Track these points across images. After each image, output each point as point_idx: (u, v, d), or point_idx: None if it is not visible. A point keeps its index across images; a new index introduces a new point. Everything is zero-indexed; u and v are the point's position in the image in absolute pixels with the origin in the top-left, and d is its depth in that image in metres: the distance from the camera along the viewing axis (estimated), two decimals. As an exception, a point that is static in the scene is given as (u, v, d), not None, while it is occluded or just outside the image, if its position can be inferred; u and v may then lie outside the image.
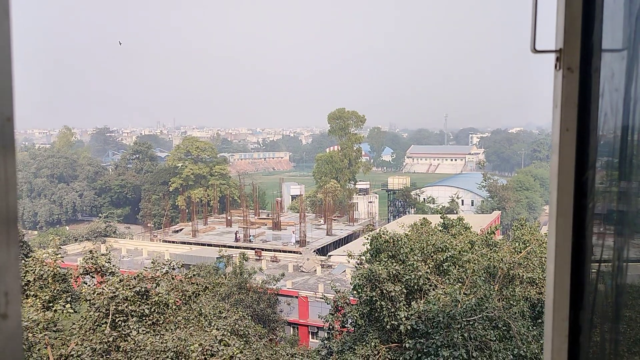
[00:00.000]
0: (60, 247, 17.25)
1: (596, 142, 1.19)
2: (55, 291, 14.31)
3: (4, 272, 0.57)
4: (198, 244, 48.83)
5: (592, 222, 1.20)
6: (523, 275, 16.56)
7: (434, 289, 16.11)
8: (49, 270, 14.35)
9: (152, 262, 16.77)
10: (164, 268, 16.17)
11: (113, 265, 16.03)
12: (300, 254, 43.14)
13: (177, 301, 15.79)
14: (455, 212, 57.71)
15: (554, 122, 1.24)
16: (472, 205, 73.80)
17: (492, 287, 16.40)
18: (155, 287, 15.04)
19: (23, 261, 15.02)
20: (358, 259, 19.66)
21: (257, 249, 44.90)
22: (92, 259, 15.38)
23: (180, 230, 57.55)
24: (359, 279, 16.74)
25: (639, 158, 1.16)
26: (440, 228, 22.17)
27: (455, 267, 16.83)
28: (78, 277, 15.71)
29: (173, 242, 51.78)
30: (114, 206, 76.75)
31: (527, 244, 18.24)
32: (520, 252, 17.51)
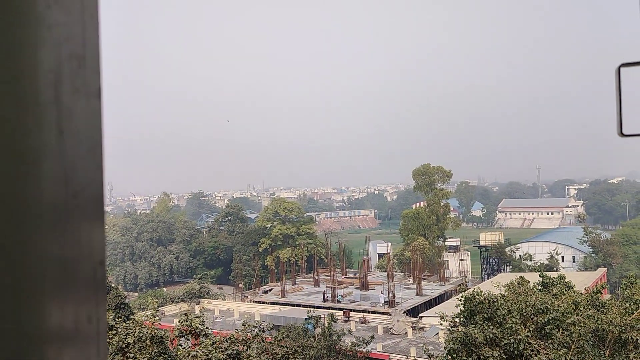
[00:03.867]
0: (157, 310, 18.00)
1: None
2: (153, 353, 14.84)
3: None
4: (287, 304, 49.05)
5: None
6: (637, 340, 15.00)
7: (536, 355, 14.98)
8: (147, 332, 14.96)
9: (242, 324, 17.03)
10: (254, 330, 16.35)
11: (206, 328, 16.44)
12: (390, 315, 41.97)
13: (268, 364, 15.80)
14: (555, 269, 54.11)
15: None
16: (574, 261, 68.90)
17: (602, 352, 15.02)
18: (246, 350, 15.19)
19: (124, 323, 15.78)
20: (451, 321, 18.81)
21: (346, 309, 44.30)
22: (187, 321, 15.89)
23: (270, 290, 58.26)
24: (454, 343, 15.96)
25: None
26: (539, 287, 20.82)
27: (559, 330, 15.61)
28: (174, 339, 16.23)
29: (263, 302, 52.41)
30: (208, 267, 79.53)
31: (640, 305, 16.64)
32: (633, 314, 15.96)
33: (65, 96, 0.61)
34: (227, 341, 14.92)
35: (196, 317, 16.72)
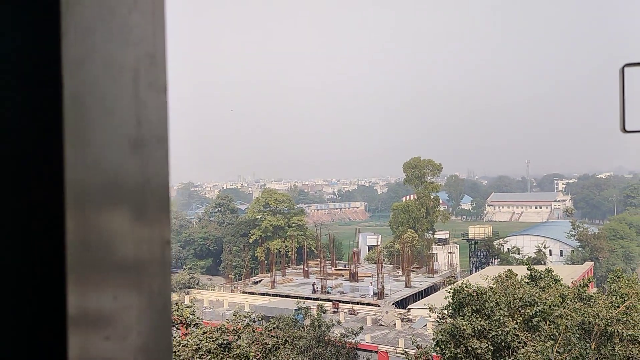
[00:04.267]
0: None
1: None
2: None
3: None
4: (277, 295, 49.20)
5: None
6: (623, 333, 15.26)
7: (523, 347, 15.19)
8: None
9: (233, 315, 17.09)
10: (245, 320, 16.42)
11: (197, 317, 16.48)
12: (379, 306, 42.26)
13: (258, 354, 15.89)
14: (542, 262, 54.66)
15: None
16: (561, 255, 69.66)
17: (588, 345, 15.25)
18: (237, 340, 15.26)
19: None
20: (440, 313, 19.00)
21: (335, 300, 44.51)
22: (177, 310, 15.92)
23: (260, 281, 58.38)
24: (442, 335, 16.15)
25: None
26: (527, 280, 21.07)
27: (546, 322, 15.83)
28: (164, 328, 16.23)
29: (253, 293, 52.52)
30: (198, 258, 79.47)
31: (626, 298, 16.91)
32: (619, 307, 16.22)
33: (142, 91, 0.68)
34: (217, 331, 14.98)
35: (187, 307, 16.75)
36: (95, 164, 0.58)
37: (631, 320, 15.54)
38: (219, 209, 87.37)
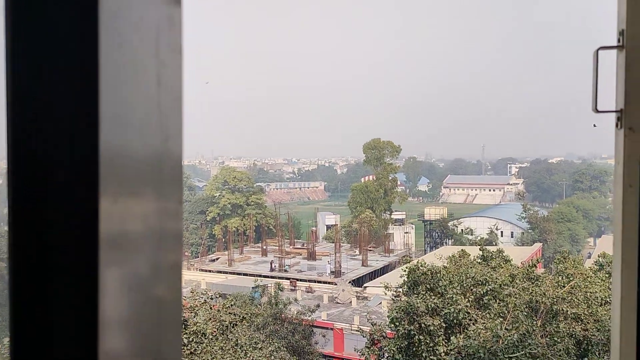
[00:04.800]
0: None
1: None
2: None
3: None
4: (234, 273, 49.13)
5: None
6: (567, 311, 16.01)
7: (474, 324, 15.75)
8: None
9: (190, 292, 17.00)
10: (202, 298, 16.36)
11: (153, 294, 16.29)
12: (336, 284, 42.84)
13: (214, 331, 15.89)
14: (494, 243, 56.47)
15: (616, 178, 1.29)
16: (512, 237, 72.12)
17: (534, 322, 15.94)
18: (194, 317, 15.21)
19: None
20: (395, 291, 19.44)
21: (292, 279, 44.84)
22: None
23: (217, 259, 58.10)
24: (397, 312, 16.54)
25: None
26: (479, 260, 21.74)
27: (496, 301, 16.44)
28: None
29: (209, 271, 52.25)
30: (153, 234, 78.22)
31: (571, 278, 17.70)
32: (564, 287, 16.98)
33: (162, 52, 0.69)
34: (174, 308, 14.86)
35: (142, 284, 16.51)
36: (125, 122, 0.59)
37: (575, 299, 16.31)
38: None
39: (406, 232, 68.28)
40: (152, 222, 0.67)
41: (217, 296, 19.89)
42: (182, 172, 0.75)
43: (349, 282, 44.40)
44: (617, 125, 1.31)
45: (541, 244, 61.23)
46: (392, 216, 73.23)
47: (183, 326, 14.60)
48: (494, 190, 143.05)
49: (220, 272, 50.74)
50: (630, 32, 1.25)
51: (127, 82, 0.61)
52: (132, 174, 0.62)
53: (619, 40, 1.29)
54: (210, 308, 16.42)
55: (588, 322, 15.77)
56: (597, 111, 1.34)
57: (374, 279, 46.61)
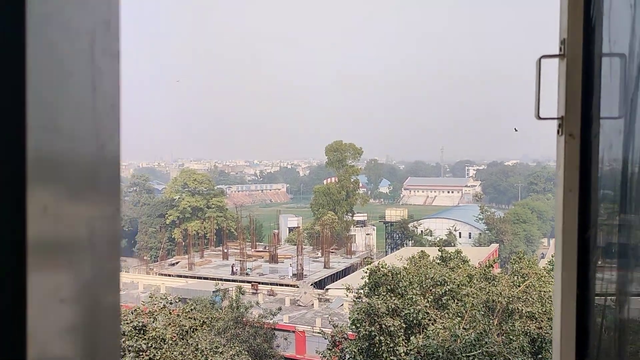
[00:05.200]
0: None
1: (597, 203, 1.28)
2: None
3: None
4: (194, 278, 48.44)
5: (594, 277, 1.27)
6: (522, 310, 16.46)
7: (433, 324, 16.00)
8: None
9: (149, 297, 16.66)
10: (161, 302, 16.06)
11: (110, 300, 15.89)
12: (297, 287, 42.79)
13: (174, 336, 15.62)
14: (452, 244, 57.57)
15: (557, 183, 1.33)
16: (470, 237, 73.70)
17: (491, 321, 16.31)
18: (153, 322, 14.91)
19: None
20: (356, 293, 19.56)
21: (254, 282, 44.53)
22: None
23: (177, 263, 57.16)
24: (358, 313, 16.64)
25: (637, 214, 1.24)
26: (438, 261, 22.12)
27: (454, 301, 16.75)
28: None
29: (169, 275, 51.35)
30: (110, 238, 76.28)
31: (526, 278, 18.20)
32: (519, 286, 17.46)
33: (97, 57, 0.68)
34: (132, 313, 14.55)
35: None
36: (55, 128, 0.58)
37: (530, 298, 16.78)
38: (134, 188, 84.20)
39: (368, 234, 68.88)
40: (87, 228, 0.65)
41: (177, 301, 19.56)
42: (119, 177, 0.74)
43: (311, 284, 44.43)
44: (558, 132, 1.36)
45: (498, 244, 62.82)
46: (354, 218, 73.74)
47: (142, 332, 14.30)
48: (452, 192, 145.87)
49: (180, 276, 49.93)
50: (570, 41, 1.31)
51: (58, 87, 0.59)
52: (65, 181, 0.60)
53: (560, 49, 1.34)
54: (170, 313, 16.14)
55: (542, 321, 16.25)
56: (539, 118, 1.39)
57: (336, 280, 46.80)
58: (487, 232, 68.29)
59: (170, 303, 16.66)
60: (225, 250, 58.21)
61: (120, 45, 0.73)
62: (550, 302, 16.68)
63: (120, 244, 0.74)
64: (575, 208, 1.29)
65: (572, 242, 1.28)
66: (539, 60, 1.40)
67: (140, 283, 46.87)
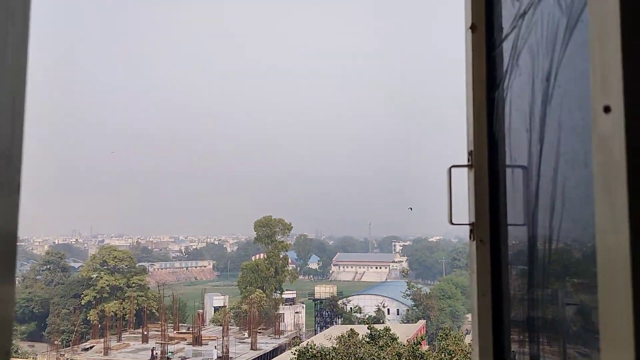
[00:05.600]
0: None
1: (509, 305, 1.35)
2: None
3: None
4: (110, 364, 44.90)
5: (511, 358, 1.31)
6: (451, 388, 16.45)
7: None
8: None
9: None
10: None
11: (11, 394, 14.30)
12: (223, 371, 40.62)
13: None
14: (382, 321, 57.43)
15: (471, 287, 1.40)
16: (398, 314, 73.91)
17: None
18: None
19: None
20: (284, 377, 18.82)
21: (176, 367, 41.88)
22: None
23: (91, 347, 52.96)
24: (286, 399, 15.97)
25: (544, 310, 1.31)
26: (367, 339, 21.93)
27: (384, 382, 16.49)
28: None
29: (82, 361, 47.34)
30: (18, 322, 69.98)
31: (453, 355, 18.35)
32: (447, 364, 17.53)
33: None
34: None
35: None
36: None
37: (457, 376, 16.85)
38: (48, 266, 78.82)
39: (297, 312, 67.48)
40: None
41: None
42: (15, 255, 0.71)
43: (237, 367, 42.32)
44: (470, 237, 1.44)
45: (425, 320, 63.31)
46: (283, 295, 72.27)
47: None
48: (380, 268, 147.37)
49: (94, 362, 46.14)
50: (476, 153, 1.42)
51: None
52: None
53: (468, 160, 1.45)
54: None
55: (470, 399, 16.27)
56: (452, 223, 1.47)
57: (264, 363, 44.95)
58: (414, 308, 68.88)
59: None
60: (146, 333, 54.77)
61: (21, 179, 0.70)
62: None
63: (12, 325, 0.68)
64: (489, 311, 1.35)
65: (487, 346, 1.32)
66: (450, 169, 1.50)
67: (48, 372, 42.79)
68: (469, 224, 1.44)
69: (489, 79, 1.40)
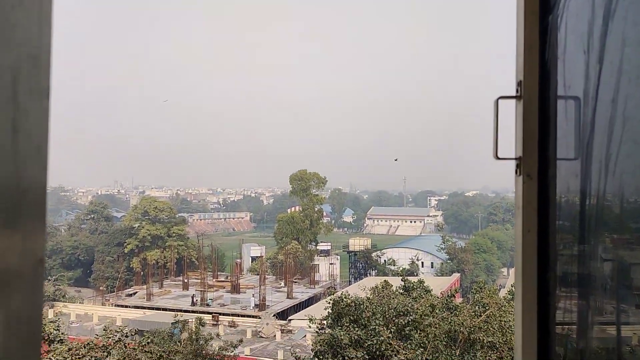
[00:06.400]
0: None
1: (555, 244, 1.29)
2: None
3: None
4: (153, 309, 46.98)
5: (554, 320, 1.27)
6: (484, 340, 16.54)
7: (396, 355, 15.89)
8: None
9: (103, 329, 16.03)
10: (116, 335, 15.46)
11: (62, 333, 15.21)
12: (260, 318, 42.03)
13: (129, 371, 15.01)
14: (415, 274, 57.89)
15: (516, 223, 1.34)
16: (432, 267, 74.31)
17: (453, 352, 16.32)
18: (107, 357, 14.31)
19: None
20: (319, 324, 19.32)
21: (215, 313, 43.53)
22: (39, 326, 14.56)
23: (134, 293, 55.44)
24: (320, 345, 16.41)
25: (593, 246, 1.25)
26: (401, 291, 22.15)
27: (417, 331, 16.71)
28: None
29: (126, 306, 49.69)
30: (65, 268, 73.61)
31: (487, 308, 18.36)
32: (480, 316, 17.58)
33: (21, 95, 0.63)
34: (85, 347, 13.93)
35: (50, 321, 15.41)
36: None
37: (491, 328, 16.90)
38: (92, 216, 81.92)
39: (331, 263, 68.63)
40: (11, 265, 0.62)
41: (133, 333, 18.90)
42: (45, 226, 0.69)
43: (274, 315, 43.72)
44: (516, 172, 1.37)
45: (459, 274, 63.52)
46: (318, 247, 73.44)
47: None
48: (414, 222, 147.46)
49: (137, 307, 48.36)
50: (526, 83, 1.33)
51: None
52: None
53: (517, 91, 1.36)
54: (125, 346, 15.54)
55: (503, 350, 16.35)
56: (497, 158, 1.40)
57: (299, 311, 46.19)
58: (448, 261, 69.05)
59: (126, 336, 16.07)
60: (186, 280, 56.88)
61: (50, 82, 0.68)
62: (510, 332, 16.85)
63: (42, 294, 0.69)
64: (534, 248, 1.29)
65: (532, 284, 1.28)
66: (497, 101, 1.42)
67: (95, 315, 45.17)
68: (515, 159, 1.38)
69: (542, 1, 1.30)
